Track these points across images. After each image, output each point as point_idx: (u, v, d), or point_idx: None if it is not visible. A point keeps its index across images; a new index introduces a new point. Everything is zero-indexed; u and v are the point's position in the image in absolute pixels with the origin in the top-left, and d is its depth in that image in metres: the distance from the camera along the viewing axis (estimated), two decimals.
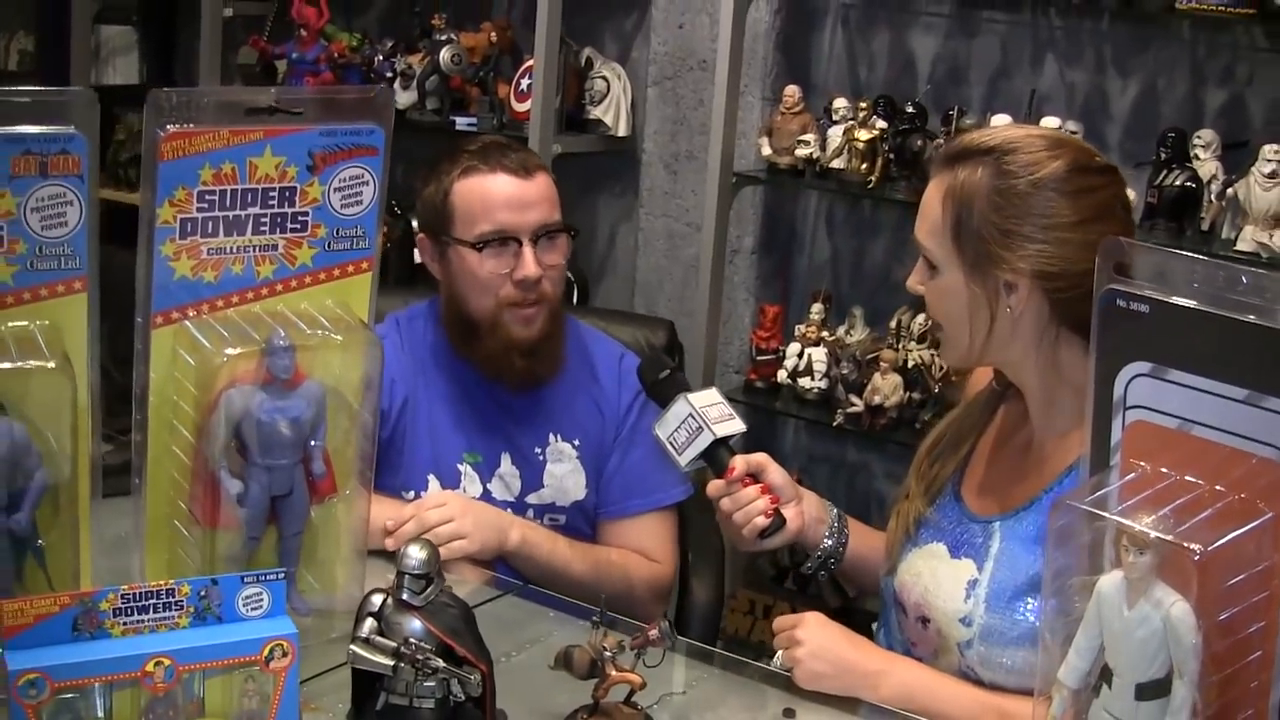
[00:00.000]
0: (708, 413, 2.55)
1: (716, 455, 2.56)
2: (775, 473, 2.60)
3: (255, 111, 2.20)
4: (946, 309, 2.40)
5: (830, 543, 2.67)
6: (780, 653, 2.39)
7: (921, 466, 2.62)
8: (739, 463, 2.55)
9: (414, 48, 5.17)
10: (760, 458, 2.60)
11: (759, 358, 4.69)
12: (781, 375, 4.61)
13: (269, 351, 2.15)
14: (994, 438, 2.56)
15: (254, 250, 2.21)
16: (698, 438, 2.56)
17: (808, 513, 2.65)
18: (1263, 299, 1.67)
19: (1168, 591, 1.62)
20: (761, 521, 2.55)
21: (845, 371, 4.42)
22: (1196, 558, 1.59)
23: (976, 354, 2.41)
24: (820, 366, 4.52)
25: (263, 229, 2.21)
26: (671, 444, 2.58)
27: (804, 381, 4.54)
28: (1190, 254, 1.78)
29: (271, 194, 2.20)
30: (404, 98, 4.99)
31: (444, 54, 4.93)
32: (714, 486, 2.58)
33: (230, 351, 2.13)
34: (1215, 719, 1.67)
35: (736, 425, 2.59)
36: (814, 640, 2.36)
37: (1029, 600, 2.33)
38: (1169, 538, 1.60)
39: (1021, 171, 2.30)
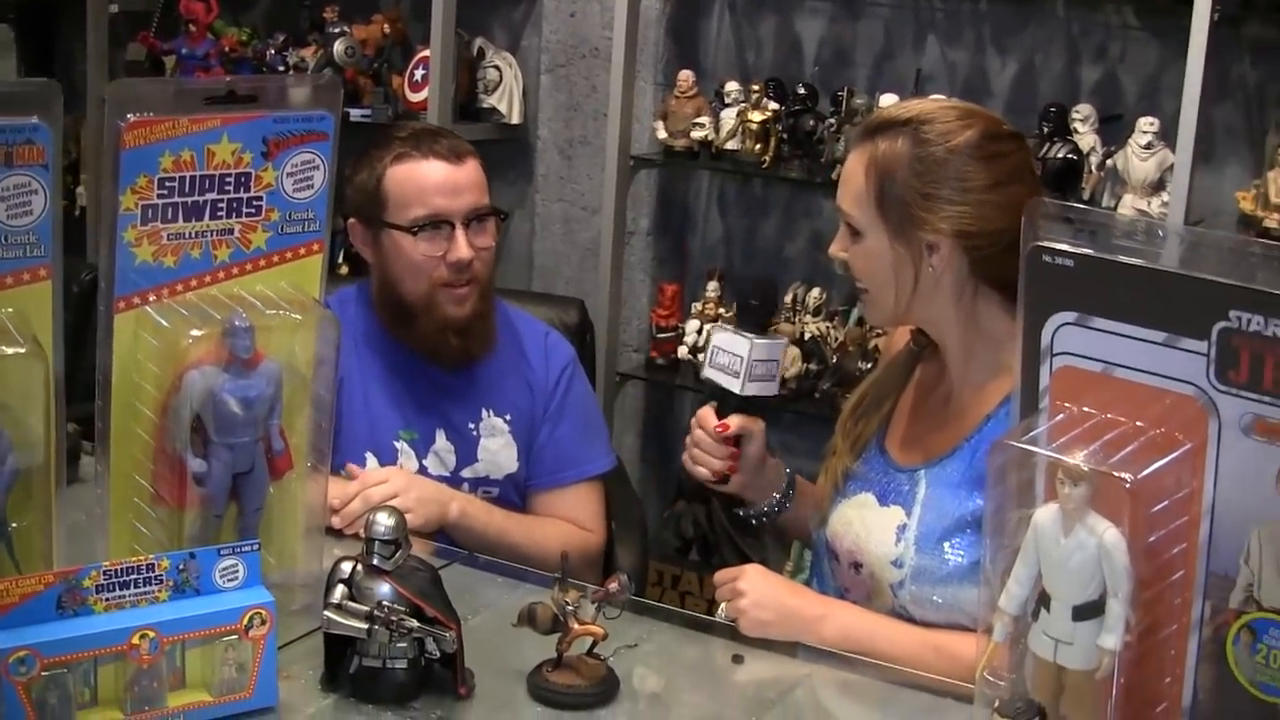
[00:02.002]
0: (755, 368, 2.63)
1: (727, 401, 2.68)
2: (755, 446, 2.72)
3: (212, 100, 2.27)
4: (872, 271, 2.53)
5: (767, 506, 2.81)
6: (724, 605, 2.52)
7: (846, 425, 2.76)
8: (734, 422, 2.68)
9: (305, 41, 5.20)
10: (754, 427, 2.71)
11: (659, 335, 4.82)
12: (682, 351, 4.75)
13: (229, 332, 2.22)
14: (914, 394, 2.70)
15: (211, 235, 2.29)
16: (727, 379, 2.67)
17: (760, 483, 2.78)
18: (1174, 249, 1.81)
19: (1100, 520, 1.76)
20: (704, 474, 2.71)
21: None
22: (1128, 486, 1.73)
23: (902, 312, 2.55)
24: None
25: (220, 214, 2.28)
26: (713, 361, 2.69)
27: (703, 357, 4.65)
28: (1105, 211, 1.92)
29: (228, 180, 2.28)
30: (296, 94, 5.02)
31: (337, 46, 4.98)
32: (704, 417, 2.72)
33: (195, 333, 2.20)
34: (1145, 634, 1.81)
35: (767, 389, 2.68)
36: (756, 590, 2.48)
37: (955, 540, 2.48)
38: (1102, 469, 1.74)
39: (938, 140, 2.45)
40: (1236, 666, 1.81)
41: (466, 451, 3.13)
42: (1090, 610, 1.79)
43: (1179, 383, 1.77)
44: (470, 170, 3.07)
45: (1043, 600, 1.83)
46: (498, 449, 3.15)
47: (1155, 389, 1.79)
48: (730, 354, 2.65)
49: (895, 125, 2.49)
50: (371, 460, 3.05)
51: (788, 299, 4.57)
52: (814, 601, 2.54)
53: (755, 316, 2.71)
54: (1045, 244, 1.85)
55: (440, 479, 3.06)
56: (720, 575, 2.57)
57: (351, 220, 3.14)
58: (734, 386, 2.66)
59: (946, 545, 2.49)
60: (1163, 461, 1.77)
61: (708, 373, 2.70)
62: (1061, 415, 1.86)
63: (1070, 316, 1.84)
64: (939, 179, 2.45)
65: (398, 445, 3.09)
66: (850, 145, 2.63)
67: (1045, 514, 1.81)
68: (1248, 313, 1.70)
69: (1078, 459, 1.76)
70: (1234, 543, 1.78)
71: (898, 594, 2.52)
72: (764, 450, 2.75)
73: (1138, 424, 1.80)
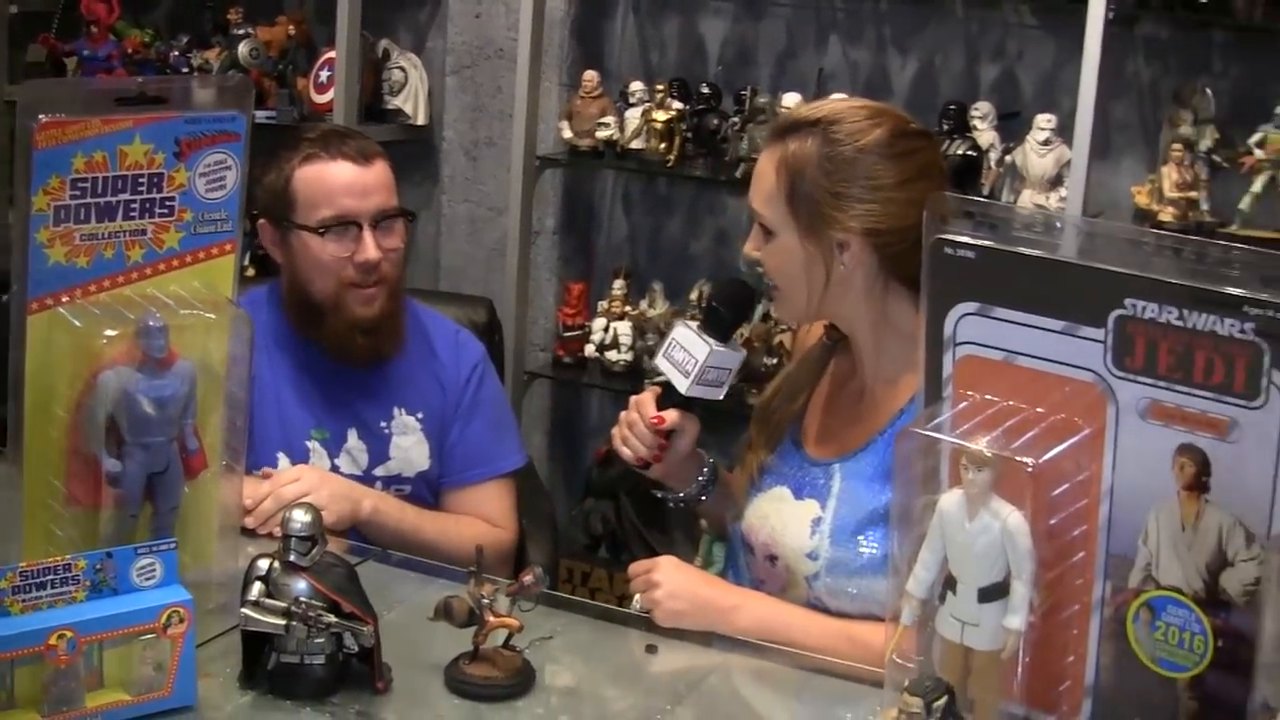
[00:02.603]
0: (707, 373, 2.64)
1: (669, 395, 2.69)
2: (684, 442, 2.74)
3: (124, 101, 2.28)
4: (784, 270, 2.57)
5: (687, 494, 2.84)
6: (638, 596, 2.55)
7: (761, 419, 2.81)
8: (670, 417, 2.69)
9: (208, 43, 5.19)
10: (688, 426, 2.72)
11: (565, 334, 4.87)
12: (589, 350, 4.80)
13: (142, 333, 2.22)
14: (827, 388, 2.75)
15: (124, 235, 2.29)
16: (675, 374, 2.67)
17: (683, 472, 2.82)
18: (1071, 241, 1.86)
19: (1003, 504, 1.80)
20: (628, 455, 2.73)
21: (650, 344, 4.59)
22: (1029, 470, 1.77)
23: (814, 310, 2.59)
24: (625, 340, 4.72)
25: (132, 214, 2.29)
26: (668, 354, 2.69)
27: (610, 355, 4.72)
28: (1007, 204, 1.97)
29: (141, 180, 2.28)
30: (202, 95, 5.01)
31: (241, 48, 4.97)
32: (643, 403, 2.73)
33: (110, 333, 2.20)
34: (1048, 614, 1.86)
35: (712, 394, 2.68)
36: (671, 581, 2.51)
37: (869, 532, 2.52)
38: (1005, 454, 1.79)
39: (847, 139, 2.49)
40: (1137, 644, 1.86)
41: (379, 450, 3.15)
42: (995, 592, 1.84)
43: (1078, 369, 1.82)
44: (378, 172, 3.09)
45: (949, 584, 1.87)
46: (410, 447, 3.17)
47: (1055, 376, 1.84)
48: (687, 352, 2.66)
49: (805, 125, 2.53)
50: (284, 460, 3.06)
51: (693, 296, 4.62)
52: (728, 592, 2.58)
53: (723, 324, 2.71)
54: (947, 236, 1.89)
55: (353, 477, 3.08)
56: (635, 567, 2.60)
57: (261, 220, 3.14)
58: (681, 384, 2.67)
59: (861, 538, 2.53)
60: (1063, 446, 1.82)
61: (660, 362, 2.71)
62: (965, 403, 1.91)
63: (972, 307, 1.89)
64: (848, 178, 2.49)
65: (310, 445, 3.10)
66: (762, 145, 2.66)
67: (950, 499, 1.85)
68: (1143, 300, 1.75)
69: (981, 445, 1.81)
70: (1132, 524, 1.83)
71: (813, 586, 2.56)
72: (693, 447, 2.77)
73: (1039, 410, 1.85)
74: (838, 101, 2.65)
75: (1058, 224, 1.93)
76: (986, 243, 1.87)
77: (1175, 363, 1.75)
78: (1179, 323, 1.74)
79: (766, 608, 2.55)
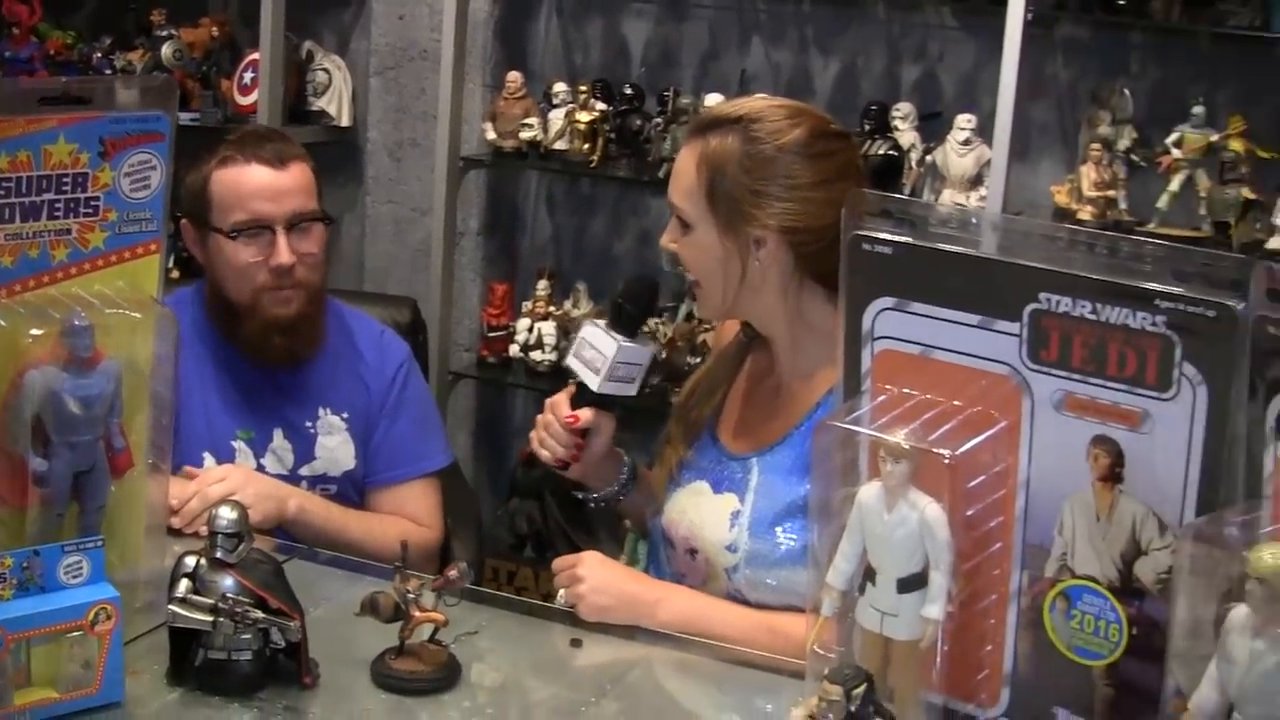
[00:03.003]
0: (618, 370, 2.67)
1: (582, 394, 2.71)
2: (600, 441, 2.76)
3: (48, 100, 2.28)
4: (701, 264, 2.60)
5: (607, 493, 2.87)
6: (563, 591, 2.57)
7: (680, 414, 2.84)
8: (584, 415, 2.72)
9: (132, 44, 5.16)
10: (603, 424, 2.75)
11: (490, 334, 4.89)
12: (513, 350, 4.82)
13: (68, 332, 2.21)
14: (745, 384, 2.78)
15: (49, 235, 2.29)
16: (586, 373, 2.70)
17: (602, 472, 2.85)
18: (987, 236, 1.90)
19: (921, 495, 1.84)
20: (546, 456, 2.76)
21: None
22: (947, 462, 1.81)
23: (730, 305, 2.62)
24: (549, 340, 4.74)
25: (57, 214, 2.29)
26: (578, 353, 2.72)
27: (535, 355, 4.75)
28: (923, 201, 2.00)
29: (65, 180, 2.28)
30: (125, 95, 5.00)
31: (165, 49, 4.93)
32: (557, 404, 2.75)
33: (35, 332, 2.20)
34: (966, 604, 1.90)
35: (625, 390, 2.72)
36: (595, 576, 2.54)
37: (787, 524, 2.56)
38: (922, 446, 1.82)
39: (767, 138, 2.52)
40: (1054, 632, 1.90)
41: (304, 449, 3.16)
42: (914, 582, 1.87)
43: (994, 363, 1.86)
44: (295, 175, 3.09)
45: (868, 575, 1.90)
46: (335, 446, 3.18)
47: (972, 369, 1.88)
48: (596, 350, 2.69)
49: (726, 122, 2.56)
50: (210, 460, 3.06)
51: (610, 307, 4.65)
52: (651, 586, 2.61)
53: (630, 320, 2.73)
54: (865, 232, 1.92)
55: (279, 477, 3.08)
56: (559, 562, 2.62)
57: (184, 221, 3.14)
58: (592, 382, 2.69)
59: (779, 530, 2.57)
60: (980, 438, 1.85)
61: (571, 361, 2.74)
62: (883, 397, 1.94)
63: (889, 302, 1.93)
64: (767, 176, 2.52)
65: (235, 445, 3.11)
66: (683, 140, 2.69)
67: (869, 491, 1.88)
68: (1057, 295, 1.79)
69: (899, 438, 1.84)
70: (1048, 514, 1.87)
71: (732, 578, 2.60)
72: (609, 445, 2.80)
73: (956, 403, 1.89)
74: (759, 100, 2.68)
75: (973, 220, 1.97)
76: (903, 239, 1.91)
77: (1089, 356, 1.79)
78: (1092, 316, 1.78)
79: (688, 601, 2.58)
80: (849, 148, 2.66)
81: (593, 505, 2.88)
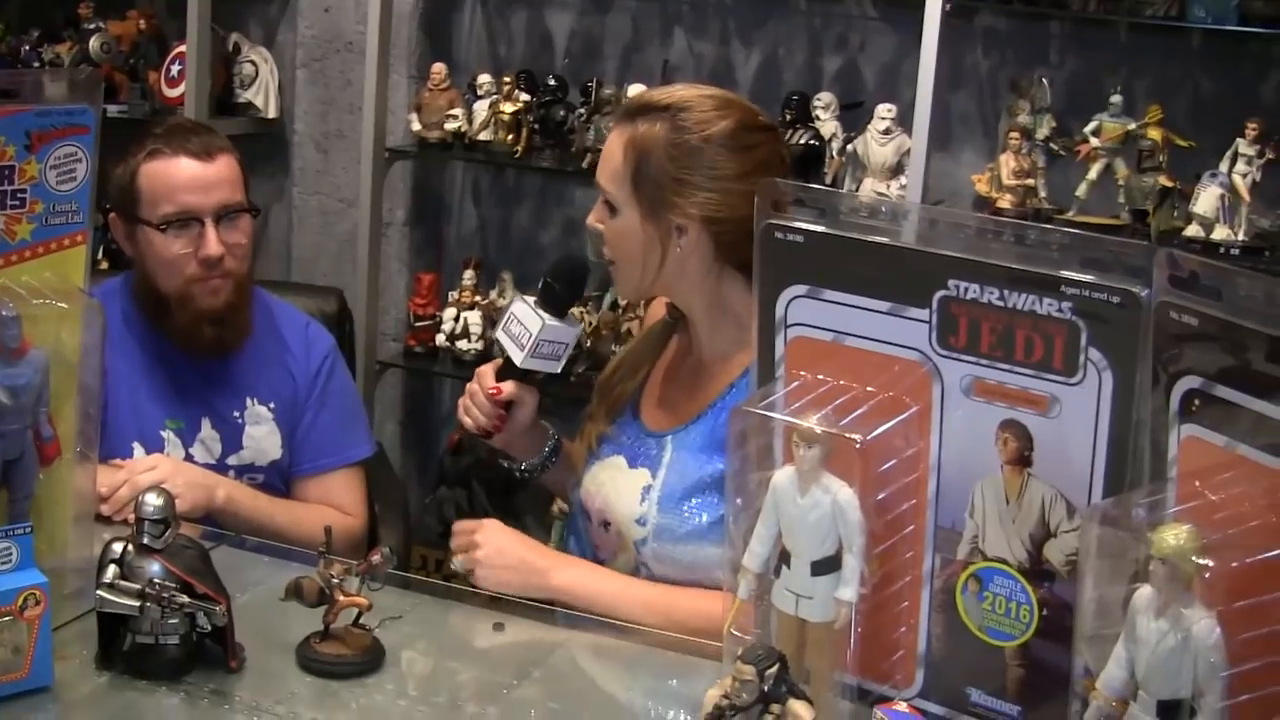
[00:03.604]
0: (542, 346, 2.71)
1: (508, 367, 2.76)
2: (523, 413, 2.83)
3: None
4: (623, 247, 2.64)
5: (530, 464, 2.93)
6: (459, 556, 2.62)
7: (603, 389, 2.90)
8: (507, 388, 2.77)
9: (60, 37, 5.17)
10: (526, 397, 2.81)
11: (417, 324, 4.91)
12: (440, 339, 4.84)
13: None
14: (669, 362, 2.83)
15: None
16: (512, 347, 2.75)
17: (525, 443, 2.91)
18: (897, 224, 1.94)
19: (833, 479, 1.88)
20: (470, 425, 2.82)
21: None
22: (858, 446, 1.85)
23: (648, 287, 2.68)
24: (476, 329, 4.77)
25: None
26: (506, 327, 2.77)
27: (461, 344, 4.77)
28: (834, 190, 2.04)
29: None
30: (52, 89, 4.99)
31: (93, 42, 4.95)
32: (483, 374, 2.81)
33: None
34: (880, 586, 1.94)
35: (548, 366, 2.77)
36: (492, 543, 2.59)
37: (695, 500, 2.61)
38: (834, 431, 1.86)
39: (694, 128, 2.56)
40: (966, 614, 1.95)
41: (231, 439, 3.18)
42: (827, 565, 1.91)
43: (905, 349, 1.91)
44: (221, 167, 3.11)
45: (783, 557, 1.94)
46: (262, 436, 3.20)
47: (883, 355, 1.93)
48: (523, 326, 2.74)
49: (655, 109, 2.60)
50: (139, 450, 3.08)
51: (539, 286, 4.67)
52: (546, 554, 2.67)
53: (558, 299, 2.77)
54: (777, 221, 1.96)
55: (207, 467, 3.11)
56: (459, 525, 2.67)
57: (112, 215, 3.16)
58: (516, 357, 2.74)
59: (685, 505, 2.62)
60: (891, 423, 1.90)
61: (498, 334, 2.80)
62: (796, 382, 1.98)
63: (802, 289, 1.97)
64: (691, 166, 2.55)
65: (164, 434, 3.13)
66: (613, 123, 2.73)
67: (783, 475, 1.92)
68: (965, 281, 1.83)
69: (811, 422, 1.88)
70: (959, 498, 1.92)
71: (640, 550, 2.65)
72: (533, 418, 2.85)
73: (868, 389, 1.93)
74: (690, 89, 2.70)
75: (884, 209, 2.01)
76: (815, 227, 1.95)
77: (997, 341, 1.84)
78: (1000, 303, 1.82)
79: (582, 573, 2.63)
80: (774, 140, 2.70)
81: (518, 475, 2.92)
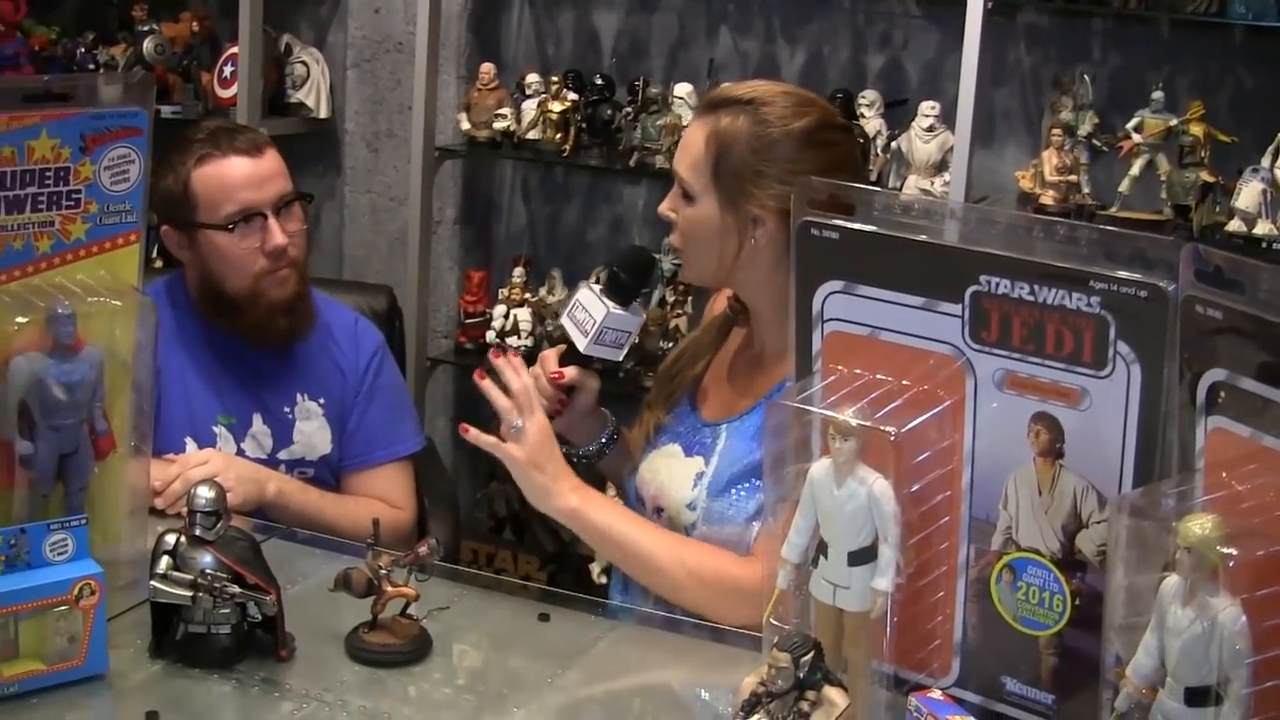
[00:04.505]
0: (606, 334, 2.75)
1: (571, 353, 2.79)
2: (584, 399, 2.86)
3: (31, 97, 2.36)
4: (698, 235, 2.68)
5: (590, 450, 2.96)
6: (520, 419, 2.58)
7: (662, 380, 2.95)
8: (569, 374, 2.80)
9: (114, 39, 5.22)
10: (588, 383, 2.85)
11: (467, 321, 4.96)
12: (489, 336, 4.88)
13: (52, 320, 2.28)
14: (728, 355, 2.87)
15: (33, 227, 2.37)
16: (576, 333, 2.78)
17: (585, 428, 2.94)
18: (930, 221, 1.97)
19: (869, 471, 1.91)
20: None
21: (549, 329, 4.69)
22: (893, 439, 1.88)
23: (721, 276, 2.73)
24: (525, 326, 4.81)
25: (40, 207, 2.37)
26: (571, 313, 2.80)
27: (511, 340, 4.80)
28: (869, 188, 2.08)
29: (48, 174, 2.36)
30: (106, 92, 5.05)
31: (147, 44, 5.01)
32: (546, 359, 2.84)
33: (20, 320, 2.27)
34: (915, 576, 1.97)
35: (611, 354, 2.81)
36: (536, 439, 2.57)
37: (740, 486, 2.66)
38: (868, 424, 1.89)
39: (777, 122, 2.61)
40: (1000, 604, 1.97)
41: (282, 434, 3.23)
42: (864, 555, 1.94)
43: (938, 343, 1.94)
44: (270, 160, 3.16)
45: (821, 548, 1.97)
46: (312, 431, 3.25)
47: (917, 350, 1.96)
48: (587, 312, 2.77)
49: (738, 103, 2.65)
50: (191, 445, 3.13)
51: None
52: (571, 475, 2.61)
53: (623, 288, 2.80)
54: (813, 219, 2.00)
55: (258, 461, 3.15)
56: (503, 404, 2.60)
57: (165, 228, 3.20)
58: (580, 343, 2.78)
59: (733, 490, 2.66)
60: (925, 416, 1.93)
61: (563, 319, 2.83)
62: (833, 376, 2.01)
63: (838, 285, 2.00)
64: (772, 159, 2.60)
65: (216, 430, 3.17)
66: (694, 115, 2.79)
67: (819, 468, 1.95)
68: (996, 277, 1.86)
69: (847, 415, 1.91)
70: (993, 489, 1.94)
71: (690, 535, 2.69)
72: (593, 404, 2.89)
73: (903, 382, 1.96)
74: (772, 85, 2.74)
75: (917, 206, 2.05)
76: (850, 224, 1.98)
77: (1028, 335, 1.87)
78: (1030, 298, 1.85)
79: (600, 501, 2.62)
80: (851, 140, 2.77)
81: (576, 461, 2.95)
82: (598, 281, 2.84)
